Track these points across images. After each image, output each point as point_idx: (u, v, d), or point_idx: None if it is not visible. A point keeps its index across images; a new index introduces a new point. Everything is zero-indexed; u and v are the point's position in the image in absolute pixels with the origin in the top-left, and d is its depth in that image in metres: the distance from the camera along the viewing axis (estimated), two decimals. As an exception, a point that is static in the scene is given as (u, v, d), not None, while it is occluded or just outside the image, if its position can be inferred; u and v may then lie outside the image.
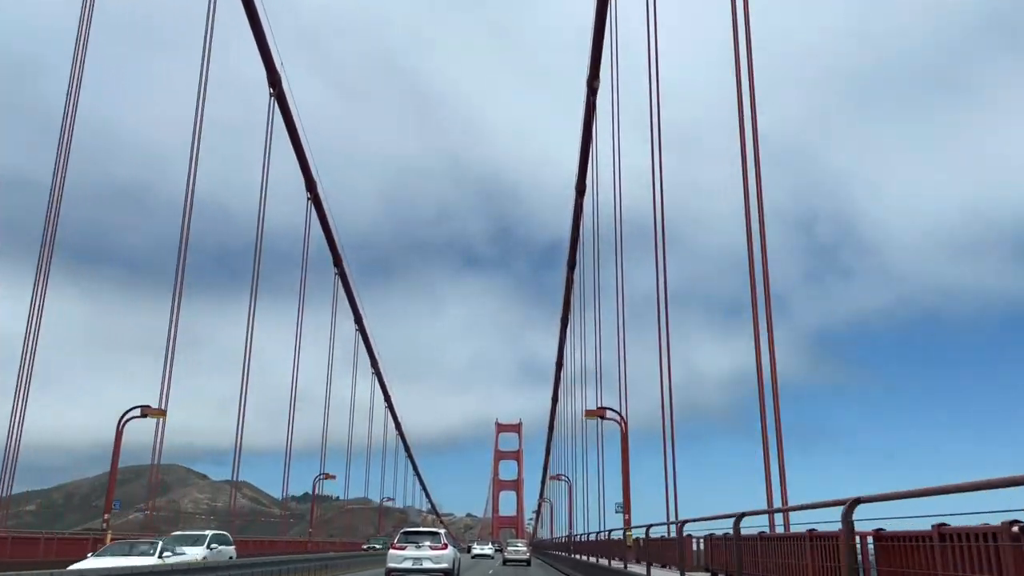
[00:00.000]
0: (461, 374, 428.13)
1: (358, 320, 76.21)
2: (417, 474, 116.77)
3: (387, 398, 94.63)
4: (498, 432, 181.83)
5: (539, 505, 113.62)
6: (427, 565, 25.98)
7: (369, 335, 79.35)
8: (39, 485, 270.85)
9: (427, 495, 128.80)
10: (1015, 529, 6.41)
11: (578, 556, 41.30)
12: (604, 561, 29.26)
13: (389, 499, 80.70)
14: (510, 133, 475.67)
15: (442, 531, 29.28)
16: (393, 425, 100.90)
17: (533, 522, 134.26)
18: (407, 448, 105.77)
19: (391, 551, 27.03)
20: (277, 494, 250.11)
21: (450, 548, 27.57)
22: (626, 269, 37.11)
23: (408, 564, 26.02)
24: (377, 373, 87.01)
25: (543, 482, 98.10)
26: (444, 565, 26.32)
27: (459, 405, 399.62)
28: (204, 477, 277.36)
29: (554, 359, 75.81)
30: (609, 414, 35.29)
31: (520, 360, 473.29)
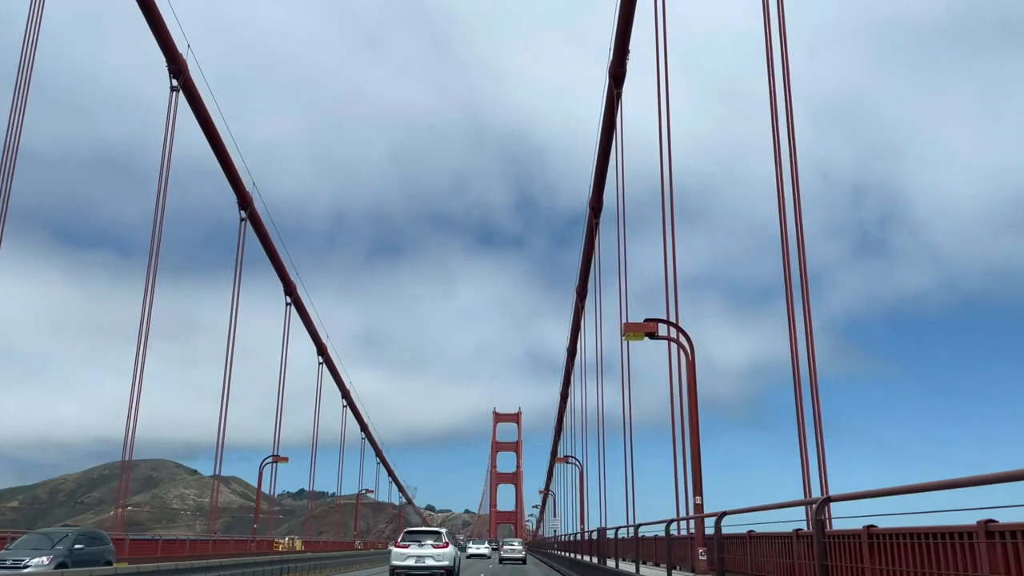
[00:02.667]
0: (466, 363, 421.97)
1: (321, 351, 73.33)
2: (388, 469, 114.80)
3: (363, 427, 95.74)
4: (496, 422, 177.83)
5: (544, 498, 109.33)
6: (429, 563, 27.97)
7: (336, 364, 77.97)
8: (23, 481, 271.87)
9: (401, 489, 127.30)
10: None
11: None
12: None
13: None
14: (537, 84, 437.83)
15: (443, 530, 31.14)
16: (371, 438, 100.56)
17: (537, 516, 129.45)
18: (375, 446, 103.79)
19: (395, 549, 29.00)
20: (269, 490, 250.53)
21: (451, 547, 29.49)
22: (638, 250, 34.49)
23: (411, 562, 28.03)
24: (349, 404, 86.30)
25: (549, 474, 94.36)
26: (445, 563, 28.27)
27: (462, 397, 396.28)
28: (194, 473, 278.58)
29: (563, 354, 73.50)
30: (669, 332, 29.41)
31: (528, 350, 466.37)
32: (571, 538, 51.60)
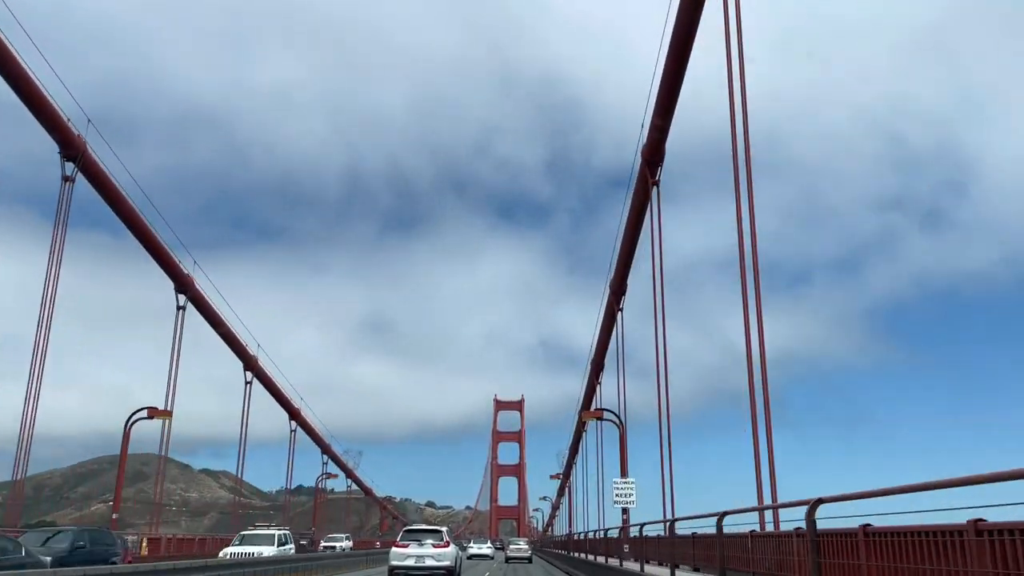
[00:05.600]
0: (476, 354, 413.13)
1: (249, 366, 64.84)
2: (338, 462, 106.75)
3: (325, 450, 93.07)
4: (497, 410, 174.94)
5: (561, 488, 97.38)
6: (429, 563, 27.97)
7: (280, 380, 72.05)
8: (6, 476, 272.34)
9: (357, 482, 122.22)
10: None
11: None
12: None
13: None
14: (575, 22, 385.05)
15: (444, 529, 31.29)
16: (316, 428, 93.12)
17: (552, 500, 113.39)
18: (321, 442, 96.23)
19: (394, 549, 28.88)
20: (263, 485, 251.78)
21: (452, 546, 29.63)
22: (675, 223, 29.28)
23: (411, 562, 28.02)
24: (301, 424, 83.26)
25: (569, 464, 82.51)
26: (446, 563, 28.31)
27: (469, 389, 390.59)
28: (186, 468, 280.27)
29: (578, 346, 68.44)
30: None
31: (543, 339, 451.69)
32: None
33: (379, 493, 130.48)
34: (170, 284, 50.95)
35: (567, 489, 79.32)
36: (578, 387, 67.07)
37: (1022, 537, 6.53)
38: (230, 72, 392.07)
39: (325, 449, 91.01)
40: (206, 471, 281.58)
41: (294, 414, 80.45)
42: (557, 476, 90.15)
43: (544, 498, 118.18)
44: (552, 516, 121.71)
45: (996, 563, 6.85)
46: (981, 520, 7.07)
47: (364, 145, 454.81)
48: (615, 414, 34.93)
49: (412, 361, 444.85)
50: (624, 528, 25.05)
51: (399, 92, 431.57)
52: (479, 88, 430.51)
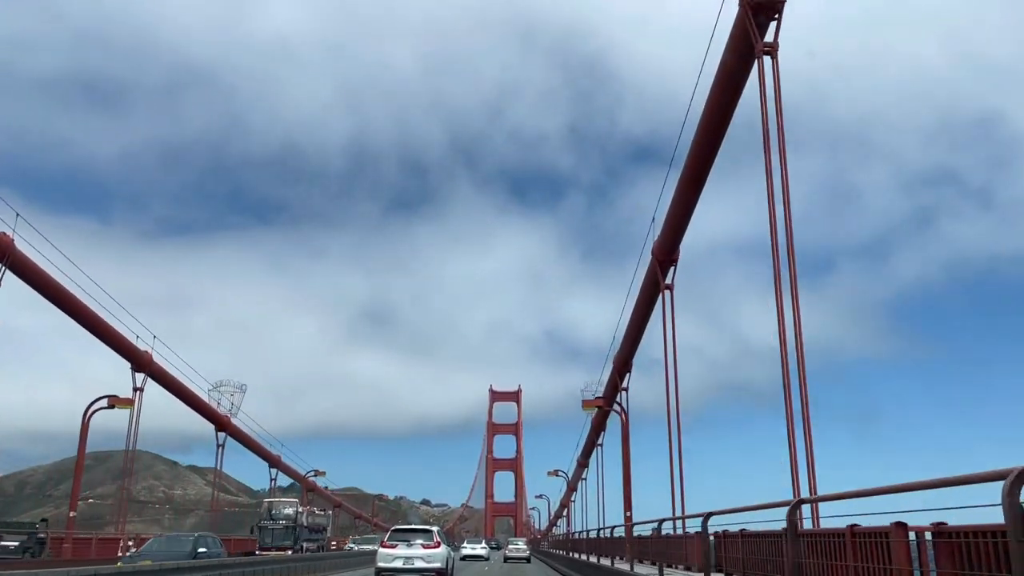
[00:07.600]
0: (479, 347, 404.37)
1: (220, 427, 66.80)
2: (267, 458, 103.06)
3: (280, 468, 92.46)
4: (492, 401, 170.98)
5: (591, 442, 74.60)
6: (419, 564, 27.25)
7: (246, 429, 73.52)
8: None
9: (237, 435, 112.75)
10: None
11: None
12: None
13: None
14: None
15: (435, 528, 30.69)
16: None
17: (569, 480, 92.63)
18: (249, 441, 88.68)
19: (380, 550, 28.23)
20: (253, 483, 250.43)
21: (443, 546, 28.84)
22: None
23: (399, 563, 27.31)
24: (272, 459, 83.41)
25: (589, 448, 72.88)
26: (437, 564, 27.60)
27: (470, 384, 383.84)
28: (175, 464, 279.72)
29: (585, 341, 61.93)
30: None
31: (548, 331, 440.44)
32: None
33: (334, 482, 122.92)
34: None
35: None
36: (580, 383, 60.00)
37: None
38: (227, 26, 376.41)
39: (142, 366, 53.41)
40: (192, 467, 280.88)
41: (274, 462, 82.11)
42: (596, 400, 56.16)
43: (557, 472, 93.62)
44: (566, 499, 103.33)
45: (952, 562, 6.87)
46: (942, 523, 7.12)
47: (370, 110, 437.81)
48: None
49: (411, 354, 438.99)
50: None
51: (408, 49, 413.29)
52: (496, 44, 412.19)
